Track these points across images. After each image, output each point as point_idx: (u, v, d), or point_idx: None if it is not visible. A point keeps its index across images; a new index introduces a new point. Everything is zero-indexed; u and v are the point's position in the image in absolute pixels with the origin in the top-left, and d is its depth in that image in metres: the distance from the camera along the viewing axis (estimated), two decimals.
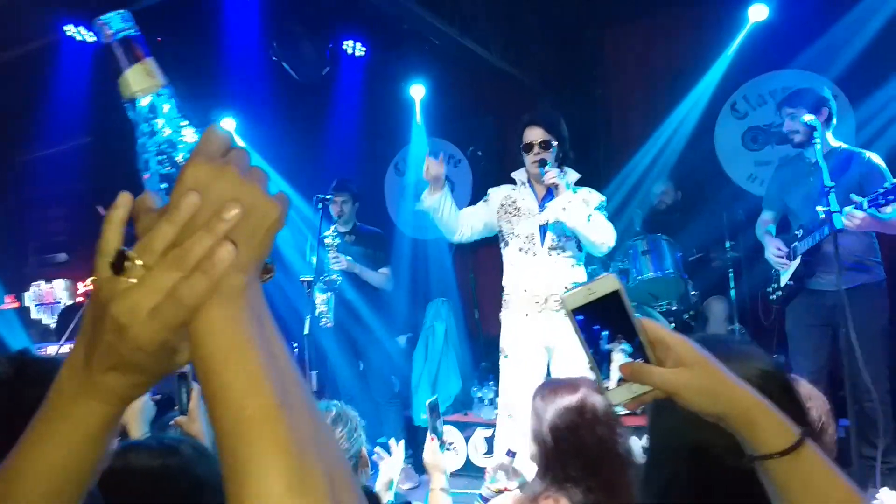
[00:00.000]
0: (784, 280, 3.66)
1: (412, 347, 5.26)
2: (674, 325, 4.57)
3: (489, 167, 6.04)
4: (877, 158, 3.50)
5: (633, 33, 6.01)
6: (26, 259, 7.47)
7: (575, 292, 0.82)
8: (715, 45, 5.37)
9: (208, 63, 5.27)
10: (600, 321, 0.82)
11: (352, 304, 4.53)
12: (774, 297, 3.76)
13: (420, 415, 4.74)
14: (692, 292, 4.80)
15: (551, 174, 3.29)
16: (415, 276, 5.81)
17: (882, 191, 3.07)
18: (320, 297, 4.39)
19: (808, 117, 3.30)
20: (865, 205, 3.09)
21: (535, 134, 3.44)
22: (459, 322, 5.31)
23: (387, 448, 2.27)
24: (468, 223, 3.61)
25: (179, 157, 0.67)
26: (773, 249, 3.70)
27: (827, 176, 3.02)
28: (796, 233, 3.60)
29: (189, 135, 0.69)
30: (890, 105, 4.74)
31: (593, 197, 3.48)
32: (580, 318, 0.82)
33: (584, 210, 3.29)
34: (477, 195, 5.36)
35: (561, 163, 3.50)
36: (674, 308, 4.71)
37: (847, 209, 3.11)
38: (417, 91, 6.01)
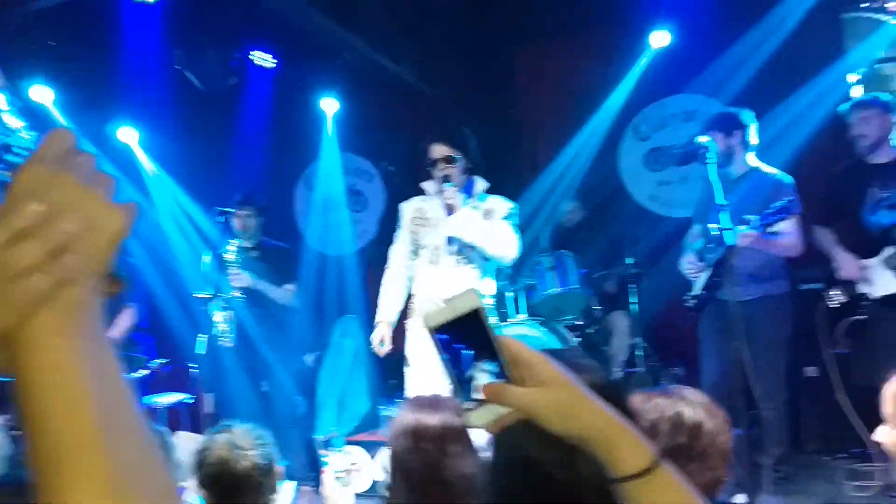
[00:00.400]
0: (697, 289, 3.79)
1: (321, 366, 5.15)
2: (579, 339, 4.66)
3: (402, 183, 6.03)
4: (785, 178, 3.66)
5: (544, 55, 6.16)
6: None
7: (437, 311, 0.79)
8: (620, 68, 5.57)
9: (107, 69, 5.04)
10: (464, 340, 0.78)
11: (253, 322, 4.39)
12: (690, 304, 3.87)
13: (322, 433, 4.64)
14: (596, 307, 4.92)
15: (448, 195, 3.37)
16: (324, 293, 5.71)
17: (770, 211, 3.24)
18: (219, 316, 4.24)
19: (703, 139, 3.43)
20: (756, 222, 3.25)
21: (438, 150, 3.47)
22: (369, 339, 5.22)
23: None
24: (408, 258, 3.64)
25: (16, 162, 0.61)
26: (686, 262, 3.86)
27: (720, 195, 3.18)
28: (709, 245, 3.72)
29: (27, 138, 0.63)
30: (776, 128, 5.03)
31: (501, 206, 3.50)
32: (444, 336, 0.78)
33: (482, 225, 3.36)
34: (390, 211, 5.33)
35: (472, 172, 3.54)
36: (578, 323, 4.82)
37: (739, 228, 3.26)
38: (329, 105, 5.94)
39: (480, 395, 0.78)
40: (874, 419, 1.39)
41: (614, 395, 0.96)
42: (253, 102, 5.67)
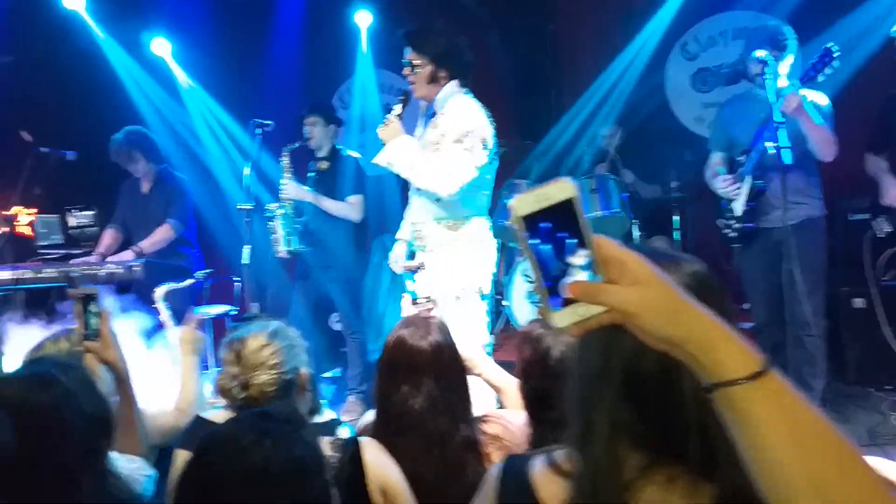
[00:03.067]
0: (739, 209, 3.50)
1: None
2: None
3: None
4: (821, 99, 3.41)
5: None
6: None
7: (525, 196, 0.72)
8: None
9: None
10: (552, 233, 0.72)
11: (315, 233, 4.31)
12: (731, 235, 3.59)
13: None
14: (637, 233, 4.84)
15: (389, 117, 3.02)
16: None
17: (812, 63, 3.07)
18: (273, 225, 4.20)
19: (760, 53, 3.22)
20: (797, 82, 3.08)
21: (406, 55, 3.02)
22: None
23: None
24: None
25: None
26: (720, 182, 3.56)
27: (777, 112, 3.01)
28: (740, 159, 3.49)
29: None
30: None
31: (455, 126, 2.91)
32: (534, 227, 0.72)
33: (412, 157, 2.94)
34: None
35: (452, 77, 3.01)
36: None
37: (784, 93, 3.08)
38: (363, 18, 5.75)
39: (566, 294, 0.72)
40: None
41: (714, 282, 0.91)
42: (287, 13, 5.50)
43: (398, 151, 2.95)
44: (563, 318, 0.72)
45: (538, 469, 0.94)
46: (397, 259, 3.31)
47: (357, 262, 4.46)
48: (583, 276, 0.72)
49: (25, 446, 1.24)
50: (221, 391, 1.68)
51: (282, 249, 4.11)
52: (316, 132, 4.37)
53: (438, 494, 1.68)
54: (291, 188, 4.22)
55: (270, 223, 4.12)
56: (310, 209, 4.31)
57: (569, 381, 0.95)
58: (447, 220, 3.03)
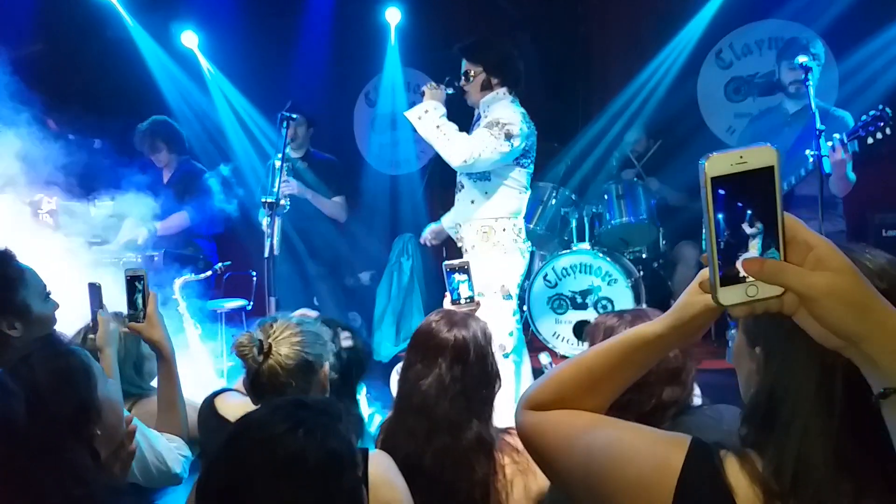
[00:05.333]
0: None
1: (376, 284, 5.10)
2: (642, 272, 4.51)
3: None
4: (844, 113, 3.45)
5: None
6: None
7: (721, 156, 0.66)
8: None
9: None
10: (740, 201, 0.66)
11: (306, 233, 4.32)
12: None
13: (382, 350, 4.64)
14: (663, 241, 4.74)
15: (437, 86, 3.23)
16: (382, 211, 5.60)
17: (862, 123, 3.00)
18: (265, 222, 4.17)
19: (803, 58, 3.18)
20: (845, 139, 3.02)
21: (463, 67, 3.26)
22: (428, 259, 5.14)
23: None
24: None
25: None
26: None
27: (819, 119, 2.94)
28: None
29: None
30: (873, 60, 4.68)
31: (493, 114, 3.12)
32: (721, 190, 0.66)
33: (442, 119, 3.11)
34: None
35: (503, 84, 3.23)
36: (644, 255, 4.65)
37: (832, 143, 3.04)
38: (393, 15, 5.71)
39: (742, 270, 0.67)
40: None
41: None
42: (316, 9, 5.48)
43: (431, 110, 3.12)
44: (729, 296, 0.68)
45: (730, 461, 0.82)
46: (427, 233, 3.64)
47: (344, 261, 4.47)
48: (755, 250, 0.67)
49: None
50: (238, 352, 1.61)
51: (275, 245, 4.08)
52: (299, 133, 4.36)
53: (441, 483, 1.68)
54: (294, 185, 4.20)
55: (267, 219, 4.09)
56: (294, 206, 4.30)
57: (781, 395, 0.82)
58: (480, 222, 3.22)
